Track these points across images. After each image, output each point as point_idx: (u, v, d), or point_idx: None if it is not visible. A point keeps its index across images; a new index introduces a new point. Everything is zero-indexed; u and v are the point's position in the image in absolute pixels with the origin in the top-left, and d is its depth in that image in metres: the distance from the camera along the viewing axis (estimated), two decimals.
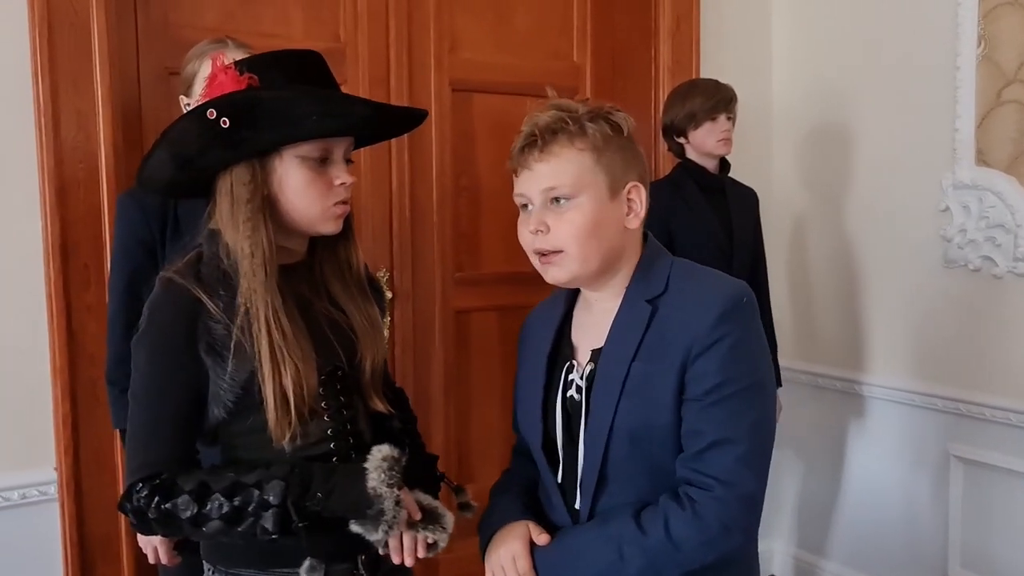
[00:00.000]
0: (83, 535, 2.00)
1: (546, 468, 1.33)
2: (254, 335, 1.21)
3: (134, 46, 2.14)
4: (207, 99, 1.24)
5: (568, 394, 1.31)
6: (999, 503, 2.31)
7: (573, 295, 1.38)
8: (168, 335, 1.23)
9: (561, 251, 1.24)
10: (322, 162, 1.27)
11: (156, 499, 1.20)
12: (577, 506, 1.29)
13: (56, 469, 1.99)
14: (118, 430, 1.85)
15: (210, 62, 1.76)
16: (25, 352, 1.98)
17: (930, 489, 2.48)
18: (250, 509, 1.19)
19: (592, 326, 1.32)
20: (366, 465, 1.23)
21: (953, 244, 2.38)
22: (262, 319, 1.22)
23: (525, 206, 1.28)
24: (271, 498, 1.19)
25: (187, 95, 1.80)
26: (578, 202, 1.23)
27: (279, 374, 1.22)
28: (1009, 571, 2.29)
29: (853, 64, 2.65)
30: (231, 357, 1.22)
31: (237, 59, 1.27)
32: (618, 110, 1.29)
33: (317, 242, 1.35)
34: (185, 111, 1.83)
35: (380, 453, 1.23)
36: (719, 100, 2.28)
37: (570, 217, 1.23)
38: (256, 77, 1.24)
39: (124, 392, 1.76)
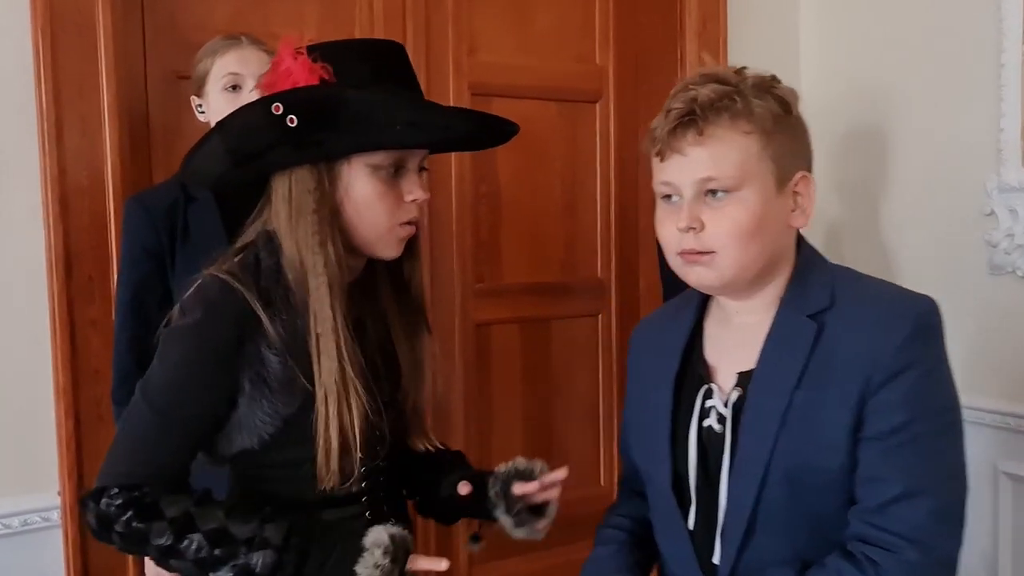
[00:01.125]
0: (87, 564, 1.90)
1: (675, 512, 1.13)
2: (319, 365, 1.09)
3: (141, 49, 2.06)
4: (270, 88, 1.10)
5: (706, 424, 1.11)
6: None
7: (703, 303, 1.19)
8: (211, 344, 1.10)
9: (713, 252, 1.06)
10: (394, 173, 1.13)
11: (129, 513, 1.07)
12: (716, 560, 1.09)
13: (59, 494, 1.90)
14: None
15: (222, 60, 1.69)
16: (26, 370, 1.89)
17: (978, 509, 2.36)
18: (230, 564, 1.07)
19: (734, 343, 1.13)
20: (362, 556, 1.09)
21: (999, 250, 2.27)
22: (332, 348, 1.09)
23: (668, 196, 1.09)
24: (257, 566, 1.07)
25: (199, 95, 1.71)
26: (740, 196, 1.04)
27: (346, 411, 1.09)
28: None
29: (888, 62, 2.55)
30: (280, 392, 1.10)
31: (309, 44, 1.12)
32: (780, 82, 1.10)
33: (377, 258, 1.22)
34: (197, 113, 1.75)
35: (379, 539, 1.09)
36: None
37: (730, 213, 1.05)
38: (331, 68, 1.09)
39: None
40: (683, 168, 1.06)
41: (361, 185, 1.11)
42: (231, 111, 1.68)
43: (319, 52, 1.10)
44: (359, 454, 1.12)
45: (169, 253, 1.64)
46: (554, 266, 2.62)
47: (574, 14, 2.61)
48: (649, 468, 1.18)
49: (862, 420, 1.01)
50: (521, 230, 2.54)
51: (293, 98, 1.07)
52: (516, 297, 2.56)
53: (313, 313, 1.09)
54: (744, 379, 1.09)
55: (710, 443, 1.11)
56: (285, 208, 1.12)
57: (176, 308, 1.13)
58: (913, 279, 2.49)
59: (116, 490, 1.08)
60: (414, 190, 1.14)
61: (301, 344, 1.10)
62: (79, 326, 1.87)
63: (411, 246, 1.21)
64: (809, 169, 1.10)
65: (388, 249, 1.16)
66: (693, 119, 1.04)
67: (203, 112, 1.74)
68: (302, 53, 1.09)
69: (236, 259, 1.14)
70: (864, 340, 1.02)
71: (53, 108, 1.84)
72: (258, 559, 1.06)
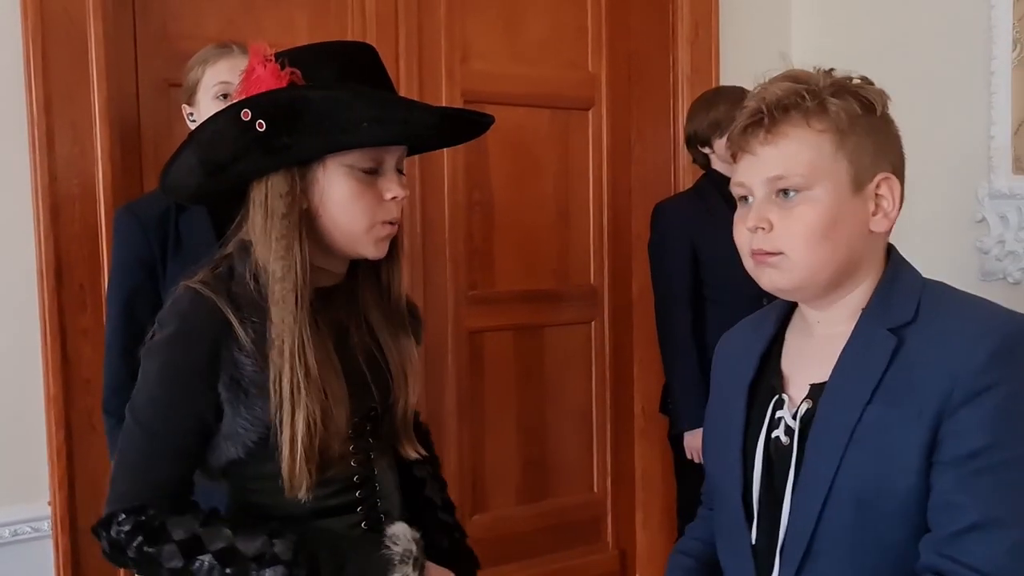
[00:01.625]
0: (78, 575, 1.88)
1: (741, 526, 1.08)
2: (279, 372, 1.08)
3: (132, 57, 2.05)
4: (243, 96, 1.09)
5: (774, 435, 1.06)
6: None
7: (787, 313, 1.14)
8: (186, 355, 1.09)
9: (782, 253, 1.02)
10: (371, 172, 1.11)
11: (139, 538, 1.07)
12: None
13: (50, 504, 1.88)
14: None
15: (213, 69, 1.68)
16: (16, 379, 1.87)
17: None
18: None
19: (811, 354, 1.07)
20: (391, 556, 1.09)
21: (991, 256, 2.27)
22: (286, 352, 1.07)
23: (744, 198, 1.06)
24: None
25: (190, 104, 1.70)
26: (812, 195, 1.00)
27: (294, 418, 1.07)
28: None
29: (880, 70, 2.52)
30: (258, 396, 1.08)
31: (277, 52, 1.10)
32: (871, 83, 1.06)
33: (359, 263, 1.20)
34: (188, 121, 1.74)
35: (399, 546, 1.10)
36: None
37: (799, 213, 1.01)
38: (299, 72, 1.08)
39: (122, 422, 1.67)
40: (753, 168, 1.03)
41: (338, 186, 1.10)
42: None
43: (287, 57, 1.09)
44: (321, 463, 1.09)
45: (161, 262, 1.62)
46: (547, 273, 2.62)
47: (566, 22, 2.61)
48: (720, 479, 1.14)
49: (938, 441, 0.94)
50: (514, 237, 2.53)
51: (260, 102, 1.06)
52: (509, 304, 2.56)
53: (272, 319, 1.08)
54: (816, 391, 1.04)
55: (777, 456, 1.06)
56: (260, 215, 1.10)
57: (156, 323, 1.13)
58: None
59: (123, 516, 1.08)
60: (392, 187, 1.12)
61: (273, 351, 1.09)
62: (70, 335, 1.86)
63: (391, 251, 1.19)
64: (896, 172, 1.06)
65: (370, 249, 1.14)
66: (761, 118, 1.02)
67: (194, 121, 1.72)
68: (271, 60, 1.08)
69: (211, 270, 1.14)
70: (946, 356, 0.95)
71: (44, 116, 1.83)
72: (268, 574, 1.05)
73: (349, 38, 2.30)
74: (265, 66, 1.08)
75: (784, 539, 1.02)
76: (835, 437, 0.99)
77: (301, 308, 1.08)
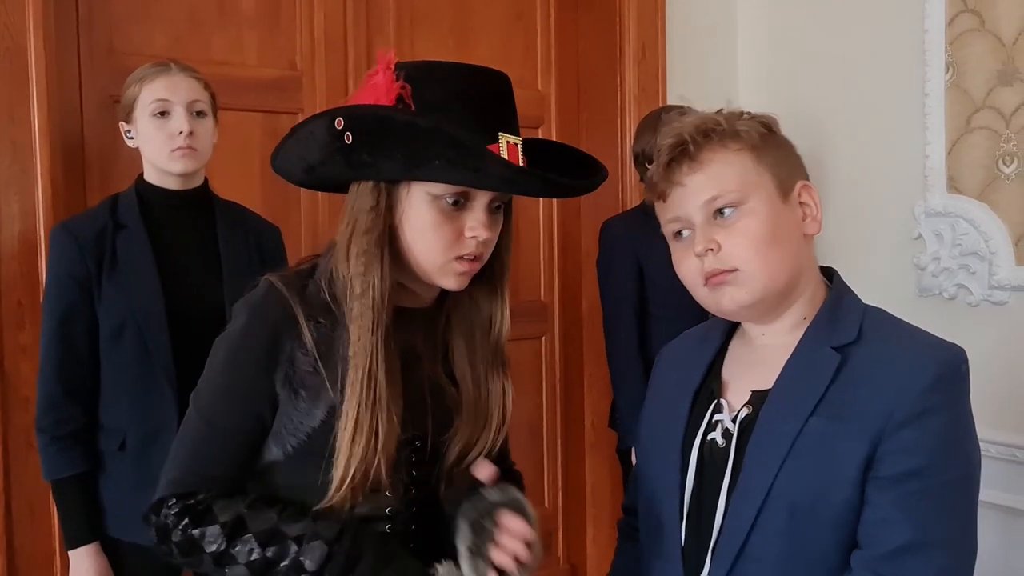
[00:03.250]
0: None
1: (675, 525, 1.09)
2: (346, 388, 1.05)
3: (76, 73, 2.05)
4: (355, 100, 1.06)
5: (709, 437, 1.09)
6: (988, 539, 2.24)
7: (732, 326, 1.17)
8: (251, 345, 1.08)
9: (736, 269, 1.04)
10: (457, 204, 1.05)
11: (185, 520, 1.06)
12: None
13: None
14: (50, 482, 1.71)
15: (150, 87, 1.69)
16: None
17: None
18: (281, 567, 1.04)
19: (753, 363, 1.11)
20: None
21: (927, 272, 2.33)
22: (360, 374, 1.04)
23: (679, 233, 1.09)
24: (307, 562, 1.03)
25: (127, 121, 1.71)
26: (748, 208, 1.04)
27: (357, 442, 1.04)
28: None
29: (822, 91, 2.62)
30: (306, 399, 1.07)
31: (399, 61, 1.06)
32: (760, 114, 1.12)
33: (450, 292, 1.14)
34: (126, 139, 1.74)
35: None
36: None
37: (743, 227, 1.04)
38: (409, 89, 1.03)
39: (55, 440, 1.66)
40: (686, 198, 1.06)
41: (418, 212, 1.06)
42: (159, 138, 1.69)
43: (405, 71, 1.05)
44: (362, 490, 1.06)
45: (96, 281, 1.62)
46: None
47: (516, 41, 2.65)
48: (655, 480, 1.15)
49: (877, 458, 0.97)
50: None
51: (352, 114, 1.04)
52: None
53: (350, 337, 1.05)
54: (757, 398, 1.07)
55: (711, 458, 1.08)
56: (347, 220, 1.09)
57: (232, 314, 1.13)
58: None
59: (173, 500, 1.08)
60: (475, 227, 1.06)
61: (335, 356, 1.06)
62: (8, 352, 1.84)
63: (492, 282, 1.15)
64: (808, 180, 1.11)
65: (445, 280, 1.08)
66: (684, 149, 1.05)
67: (132, 138, 1.73)
68: (390, 68, 1.04)
69: (297, 264, 1.15)
70: (890, 378, 0.99)
71: None
72: (307, 555, 1.03)
73: (298, 57, 2.32)
74: (385, 73, 1.05)
75: (717, 540, 1.04)
76: (776, 445, 1.01)
77: (378, 329, 1.05)
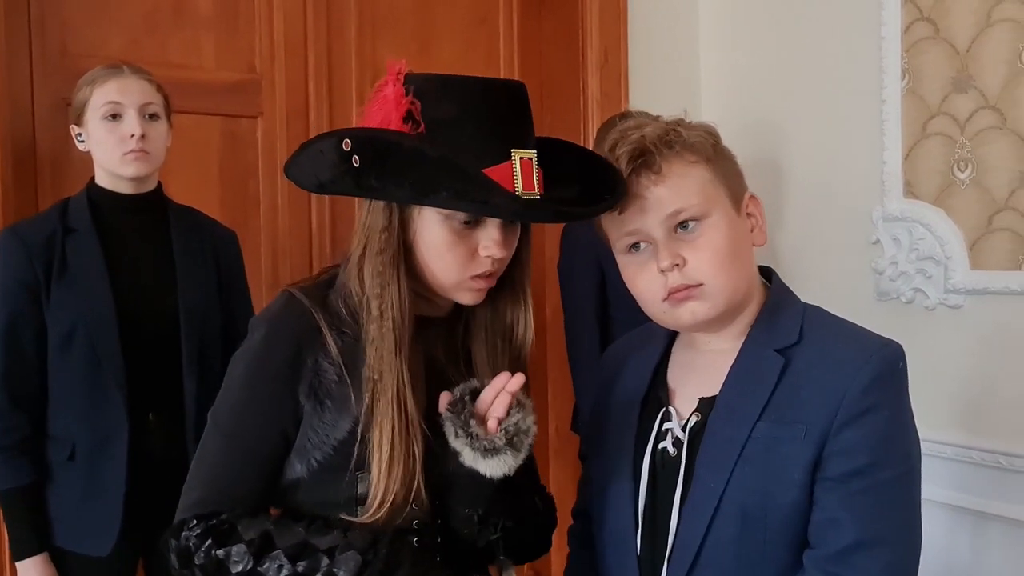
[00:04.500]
0: None
1: (630, 533, 1.09)
2: (375, 411, 1.01)
3: (28, 76, 2.02)
4: (365, 114, 1.04)
5: (660, 446, 1.08)
6: (936, 535, 2.27)
7: (672, 332, 1.16)
8: (271, 357, 1.05)
9: (701, 284, 1.03)
10: (470, 224, 1.03)
11: (208, 541, 1.01)
12: None
13: None
14: None
15: (102, 90, 1.66)
16: None
17: None
18: None
19: (698, 369, 1.11)
20: None
21: (885, 277, 2.36)
22: (389, 397, 1.01)
23: (636, 245, 1.06)
24: (341, 574, 0.99)
25: (78, 124, 1.69)
26: (711, 222, 1.03)
27: (395, 467, 1.01)
28: None
29: (783, 98, 2.64)
30: (333, 409, 1.03)
31: (409, 73, 1.03)
32: (701, 123, 1.10)
33: None
34: (76, 142, 1.71)
35: None
36: None
37: (707, 241, 1.03)
38: (419, 105, 1.00)
39: (2, 450, 1.62)
40: (647, 211, 1.03)
41: (431, 232, 1.03)
42: (111, 141, 1.66)
43: (415, 85, 1.02)
44: (410, 504, 1.03)
45: (45, 287, 1.59)
46: None
47: (479, 46, 2.65)
48: (609, 490, 1.13)
49: (823, 459, 0.98)
50: None
51: (359, 137, 1.03)
52: None
53: (371, 357, 1.02)
54: (705, 405, 1.07)
55: (663, 466, 1.08)
56: (360, 238, 1.06)
57: (248, 329, 1.09)
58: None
59: (195, 521, 1.03)
60: (490, 246, 1.03)
61: (360, 368, 1.03)
62: None
63: (514, 287, 1.12)
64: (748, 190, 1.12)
65: (462, 297, 1.07)
66: (645, 160, 1.03)
67: (83, 141, 1.70)
68: (399, 82, 1.01)
69: (316, 275, 1.12)
70: (831, 378, 1.00)
71: None
72: (341, 566, 0.99)
73: (257, 60, 2.30)
74: (395, 85, 1.01)
75: (672, 548, 1.04)
76: (726, 451, 1.02)
77: (401, 351, 1.02)
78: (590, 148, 2.52)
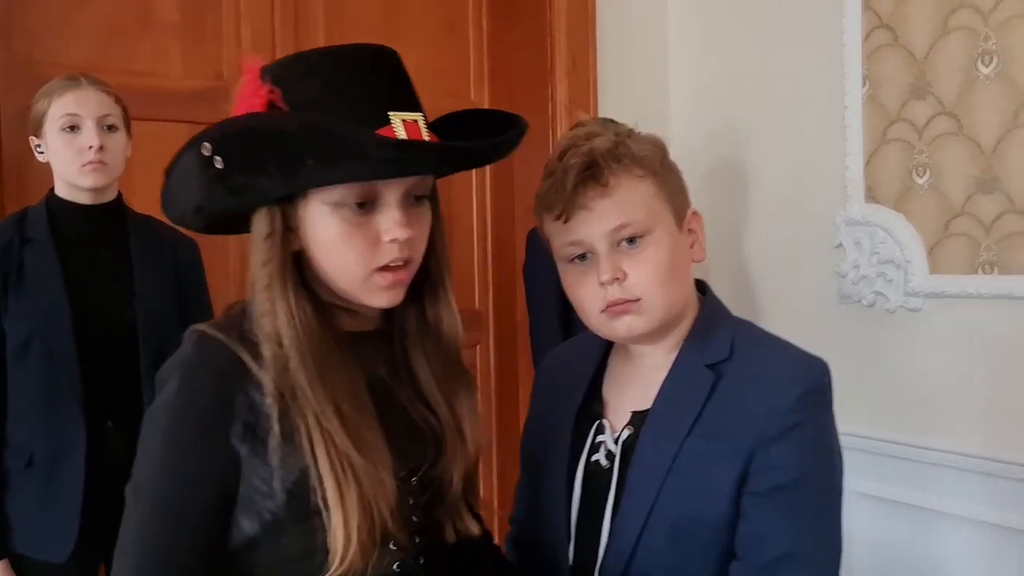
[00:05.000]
0: None
1: (564, 543, 1.10)
2: (309, 441, 0.89)
3: None
4: (228, 119, 0.92)
5: (594, 458, 1.10)
6: (901, 536, 2.31)
7: (609, 342, 1.16)
8: (193, 405, 0.90)
9: (639, 299, 1.04)
10: (364, 207, 0.91)
11: None
12: None
13: None
14: None
15: (59, 102, 1.68)
16: None
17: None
18: None
19: (632, 382, 1.12)
20: None
21: (847, 280, 2.39)
22: (311, 422, 0.89)
23: (581, 256, 1.06)
24: None
25: (37, 135, 1.70)
26: (654, 238, 1.04)
27: (347, 496, 0.88)
28: None
29: (749, 104, 2.67)
30: (279, 448, 0.88)
31: (264, 65, 0.93)
32: (649, 135, 1.10)
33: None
34: (36, 153, 1.73)
35: None
36: None
37: (648, 257, 1.04)
38: (278, 92, 0.89)
39: None
40: (592, 222, 1.03)
41: (322, 227, 0.91)
42: (68, 153, 1.67)
43: (270, 73, 0.91)
44: (379, 547, 0.91)
45: (2, 296, 1.61)
46: None
47: (448, 51, 2.67)
48: (544, 499, 1.14)
49: (750, 474, 1.00)
50: None
51: (218, 135, 0.90)
52: None
53: (266, 383, 0.90)
54: (638, 418, 1.08)
55: (596, 479, 1.09)
56: (253, 258, 0.94)
57: (156, 383, 0.95)
58: (771, 309, 2.61)
59: None
60: (391, 227, 0.91)
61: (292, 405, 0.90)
62: None
63: (434, 287, 1.02)
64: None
65: (374, 298, 0.94)
66: (593, 172, 1.03)
67: (42, 152, 1.72)
68: (255, 74, 0.91)
69: (225, 311, 0.99)
70: (759, 395, 1.02)
71: None
72: None
73: (224, 67, 2.31)
74: (251, 82, 0.91)
75: (603, 558, 1.06)
76: (656, 465, 1.04)
77: (304, 369, 0.90)
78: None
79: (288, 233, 0.93)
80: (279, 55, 2.37)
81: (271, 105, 0.90)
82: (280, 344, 0.91)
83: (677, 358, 1.09)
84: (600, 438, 1.10)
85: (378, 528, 0.90)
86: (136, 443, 1.62)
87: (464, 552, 1.04)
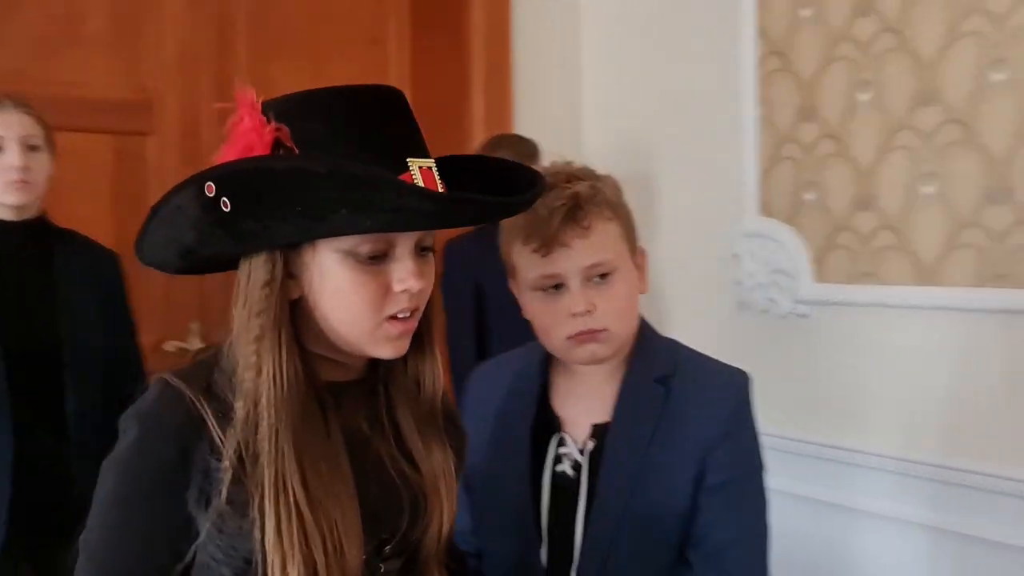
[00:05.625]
0: None
1: (536, 550, 1.21)
2: (255, 510, 0.84)
3: None
4: (221, 159, 0.87)
5: (559, 469, 1.22)
6: (807, 531, 2.48)
7: (546, 357, 1.26)
8: (147, 462, 0.85)
9: (606, 329, 1.16)
10: (376, 259, 0.87)
11: None
12: None
13: None
14: None
15: None
16: None
17: None
18: None
19: (585, 397, 1.24)
20: None
21: (744, 288, 2.56)
22: (268, 490, 0.83)
23: (557, 286, 1.17)
24: None
25: None
26: (620, 275, 1.18)
27: (285, 568, 0.83)
28: None
29: (656, 121, 2.82)
30: (233, 517, 0.84)
31: (264, 100, 0.87)
32: (607, 176, 1.23)
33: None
34: None
35: None
36: (520, 155, 2.39)
37: (615, 292, 1.17)
38: (286, 129, 0.85)
39: None
40: (569, 258, 1.15)
41: (331, 276, 0.86)
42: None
43: (273, 109, 0.86)
44: None
45: None
46: None
47: (371, 67, 2.76)
48: (502, 514, 1.24)
49: (703, 473, 1.17)
50: None
51: (222, 175, 0.84)
52: None
53: (231, 444, 0.84)
54: (598, 431, 1.21)
55: (563, 487, 1.21)
56: (240, 303, 0.88)
57: (119, 424, 0.89)
58: (675, 317, 2.76)
59: None
60: (406, 278, 0.87)
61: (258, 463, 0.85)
62: None
63: (420, 340, 0.95)
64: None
65: (380, 349, 0.89)
66: (576, 215, 1.14)
67: None
68: (256, 110, 0.86)
69: (194, 357, 1.00)
70: (704, 408, 1.20)
71: None
72: None
73: (148, 79, 2.36)
74: (251, 116, 0.86)
75: (580, 559, 1.19)
76: (625, 473, 1.18)
77: (283, 432, 0.84)
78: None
79: (288, 281, 0.88)
80: (204, 68, 2.45)
81: (277, 144, 0.85)
82: (256, 404, 0.85)
83: (627, 374, 1.23)
84: (563, 450, 1.23)
85: None
86: (60, 451, 1.66)
87: None
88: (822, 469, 2.37)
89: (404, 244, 0.88)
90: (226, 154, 0.87)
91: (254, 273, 0.87)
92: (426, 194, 0.85)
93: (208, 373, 0.89)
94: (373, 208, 0.82)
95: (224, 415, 0.86)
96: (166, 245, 0.91)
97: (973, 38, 1.99)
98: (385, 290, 0.87)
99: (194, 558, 0.87)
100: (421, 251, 0.90)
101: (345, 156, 0.84)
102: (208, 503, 0.85)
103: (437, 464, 0.98)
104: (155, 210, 0.91)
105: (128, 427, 0.88)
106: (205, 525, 0.85)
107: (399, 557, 0.96)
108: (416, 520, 0.96)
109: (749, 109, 2.50)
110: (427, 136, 0.90)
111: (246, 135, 0.85)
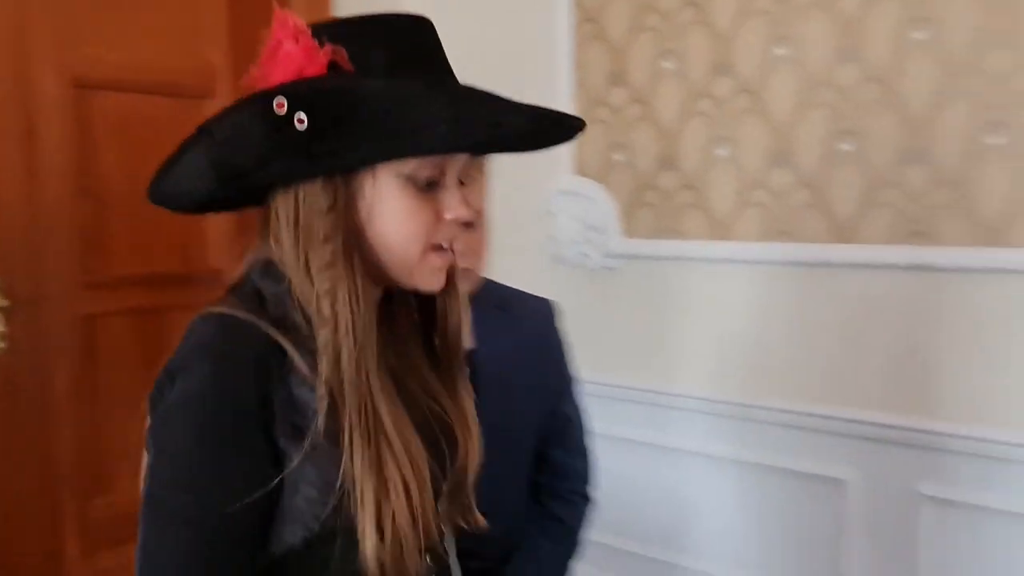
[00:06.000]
0: None
1: None
2: (346, 437, 0.81)
3: None
4: (265, 82, 0.82)
5: None
6: (625, 470, 2.68)
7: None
8: (233, 402, 0.80)
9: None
10: (430, 185, 0.87)
11: None
12: None
13: None
14: None
15: None
16: None
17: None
18: None
19: None
20: None
21: (559, 243, 2.70)
22: (356, 417, 0.81)
23: None
24: None
25: None
26: None
27: (385, 500, 0.81)
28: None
29: (474, 81, 2.90)
30: (327, 447, 0.81)
31: (312, 24, 0.84)
32: None
33: (395, 291, 0.94)
34: None
35: None
36: None
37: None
38: (344, 53, 0.82)
39: None
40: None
41: (391, 201, 0.85)
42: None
43: (326, 33, 0.83)
44: (422, 556, 0.84)
45: None
46: (172, 257, 2.67)
47: (187, 10, 2.66)
48: None
49: (547, 385, 1.54)
50: (129, 222, 2.55)
51: (300, 92, 0.80)
52: (128, 289, 2.58)
53: (324, 372, 0.82)
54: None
55: None
56: (290, 235, 0.84)
57: (162, 376, 0.83)
58: (495, 267, 2.88)
59: None
60: (454, 205, 0.87)
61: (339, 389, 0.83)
62: None
63: (448, 275, 0.94)
64: None
65: (423, 279, 0.89)
66: None
67: None
68: (304, 33, 0.82)
69: (226, 297, 0.87)
70: (536, 325, 1.56)
71: None
72: None
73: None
74: (297, 40, 0.82)
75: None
76: (496, 395, 1.35)
77: (363, 359, 0.83)
78: None
79: (349, 207, 0.85)
80: (1, 9, 2.28)
81: (333, 66, 0.83)
82: (335, 330, 0.83)
83: (476, 304, 1.43)
84: None
85: (423, 544, 0.84)
86: None
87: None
88: (636, 412, 2.57)
89: (452, 172, 0.89)
90: (270, 77, 0.84)
91: (308, 201, 0.84)
92: (522, 110, 0.88)
93: (260, 304, 0.85)
94: (473, 122, 0.84)
95: (301, 344, 0.83)
96: (206, 170, 0.85)
97: (763, 17, 2.20)
98: (436, 218, 0.88)
99: (281, 482, 0.82)
100: (459, 183, 0.91)
101: (407, 81, 0.84)
102: (301, 435, 0.81)
103: (462, 400, 0.98)
104: (203, 129, 0.86)
105: (188, 368, 0.82)
106: (297, 456, 0.81)
107: (450, 502, 0.95)
108: (452, 459, 0.94)
109: (564, 73, 2.62)
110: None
111: (295, 58, 0.82)
